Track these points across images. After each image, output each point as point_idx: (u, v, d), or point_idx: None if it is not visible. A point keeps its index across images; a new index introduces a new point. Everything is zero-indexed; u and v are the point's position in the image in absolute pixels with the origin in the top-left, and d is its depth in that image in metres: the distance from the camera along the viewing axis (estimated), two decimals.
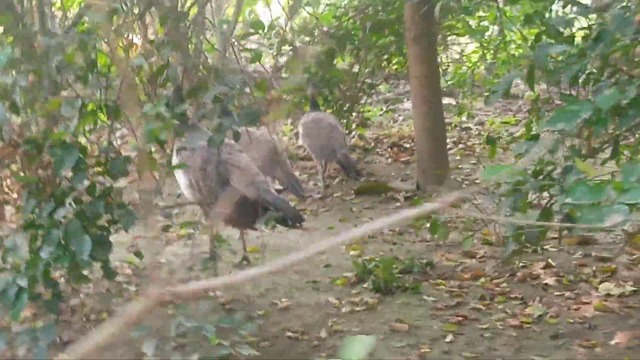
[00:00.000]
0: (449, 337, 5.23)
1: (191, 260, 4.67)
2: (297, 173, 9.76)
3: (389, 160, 10.12)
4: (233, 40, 8.10)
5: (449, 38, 11.77)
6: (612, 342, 5.09)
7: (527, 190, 3.97)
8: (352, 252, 6.88)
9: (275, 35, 9.95)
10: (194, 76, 4.35)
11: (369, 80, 10.43)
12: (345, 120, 10.31)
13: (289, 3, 10.84)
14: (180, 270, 4.79)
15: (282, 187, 7.99)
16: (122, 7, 5.46)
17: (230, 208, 6.04)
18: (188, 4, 7.89)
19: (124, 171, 4.48)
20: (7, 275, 4.11)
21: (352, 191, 8.85)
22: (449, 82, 11.56)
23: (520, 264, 6.25)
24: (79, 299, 5.95)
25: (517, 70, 4.37)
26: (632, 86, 3.28)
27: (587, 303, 5.65)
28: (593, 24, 4.33)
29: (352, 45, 10.13)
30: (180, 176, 6.26)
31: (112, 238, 7.30)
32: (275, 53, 10.13)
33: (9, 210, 4.65)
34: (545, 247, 6.71)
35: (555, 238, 6.84)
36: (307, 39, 10.31)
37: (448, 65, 12.26)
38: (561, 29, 4.24)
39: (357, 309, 5.71)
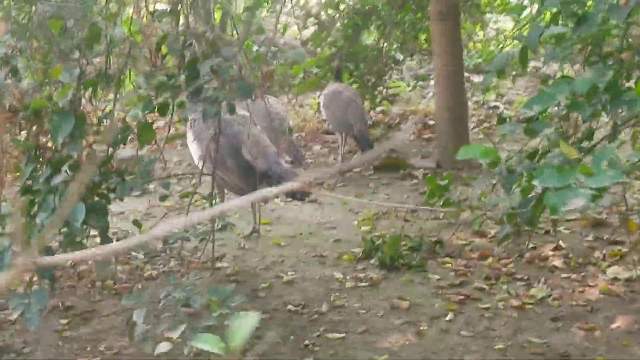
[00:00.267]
0: (449, 316, 5.22)
1: (188, 230, 4.67)
2: (318, 147, 9.76)
3: (412, 137, 10.06)
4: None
5: (487, 16, 11.68)
6: (613, 326, 5.05)
7: (522, 172, 3.93)
8: (363, 228, 6.87)
9: (301, 8, 9.92)
10: (195, 48, 4.34)
11: (394, 55, 10.36)
12: (370, 96, 10.27)
13: None
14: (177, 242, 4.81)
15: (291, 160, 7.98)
16: None
17: (238, 178, 6.07)
18: None
19: (124, 139, 4.51)
20: (3, 240, 4.15)
21: (372, 167, 8.83)
22: (478, 60, 11.45)
23: (530, 245, 6.20)
24: (86, 265, 6.03)
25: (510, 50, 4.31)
26: (610, 70, 3.23)
27: (593, 286, 5.61)
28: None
29: (379, 20, 10.06)
30: (193, 147, 6.30)
31: (128, 207, 7.44)
32: (300, 26, 10.09)
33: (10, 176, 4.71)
34: (558, 228, 6.66)
35: (568, 220, 6.79)
36: (332, 13, 10.24)
37: (481, 43, 12.16)
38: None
39: (361, 284, 5.71)
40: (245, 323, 1.46)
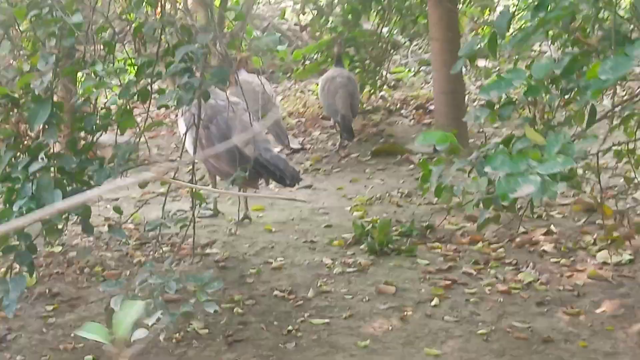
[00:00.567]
0: (435, 301, 5.21)
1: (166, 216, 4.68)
2: (317, 132, 9.75)
3: (412, 122, 10.04)
4: None
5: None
6: (598, 311, 5.03)
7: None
8: (355, 213, 6.87)
9: None
10: (172, 35, 4.34)
11: (393, 40, 10.33)
12: (371, 81, 10.25)
13: None
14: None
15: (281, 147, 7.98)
16: None
17: (228, 165, 6.06)
18: None
19: (104, 126, 4.52)
20: None
21: (369, 152, 8.81)
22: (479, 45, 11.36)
23: (521, 230, 6.18)
24: (75, 251, 6.06)
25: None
26: (566, 56, 3.21)
27: (581, 271, 5.58)
28: None
29: (378, 4, 10.03)
30: (185, 135, 6.30)
31: (123, 193, 7.45)
32: (299, 11, 10.07)
33: None
34: (551, 213, 6.64)
35: (561, 205, 6.76)
36: None
37: (482, 27, 12.07)
38: None
39: (349, 270, 5.70)
40: (129, 312, 1.46)
